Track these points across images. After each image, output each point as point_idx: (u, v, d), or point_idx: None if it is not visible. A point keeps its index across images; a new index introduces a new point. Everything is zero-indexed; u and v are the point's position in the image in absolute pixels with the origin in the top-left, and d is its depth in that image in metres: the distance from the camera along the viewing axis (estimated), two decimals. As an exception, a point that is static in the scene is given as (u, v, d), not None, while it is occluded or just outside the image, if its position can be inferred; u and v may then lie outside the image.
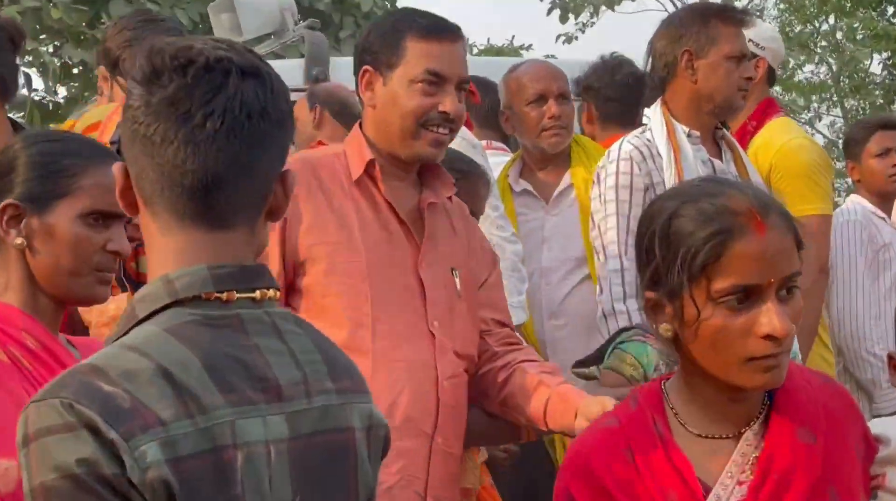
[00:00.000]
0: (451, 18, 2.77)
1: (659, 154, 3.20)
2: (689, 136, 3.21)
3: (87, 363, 1.29)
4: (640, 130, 3.38)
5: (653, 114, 3.33)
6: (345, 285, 2.31)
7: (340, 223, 2.34)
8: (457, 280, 2.44)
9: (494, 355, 2.47)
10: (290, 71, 4.91)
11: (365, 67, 2.42)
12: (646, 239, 1.60)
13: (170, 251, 1.38)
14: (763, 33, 4.08)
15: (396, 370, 2.29)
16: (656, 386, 1.69)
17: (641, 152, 3.21)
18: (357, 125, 2.48)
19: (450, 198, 2.51)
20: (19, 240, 1.87)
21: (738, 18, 3.38)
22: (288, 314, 1.49)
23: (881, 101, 15.73)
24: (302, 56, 5.42)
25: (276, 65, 4.36)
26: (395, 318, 2.33)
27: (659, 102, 3.32)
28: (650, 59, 3.39)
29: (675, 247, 1.53)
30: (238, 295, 1.37)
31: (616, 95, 4.12)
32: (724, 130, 3.42)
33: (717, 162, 3.28)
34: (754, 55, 3.85)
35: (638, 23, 17.07)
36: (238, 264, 1.39)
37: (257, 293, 1.39)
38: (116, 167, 1.40)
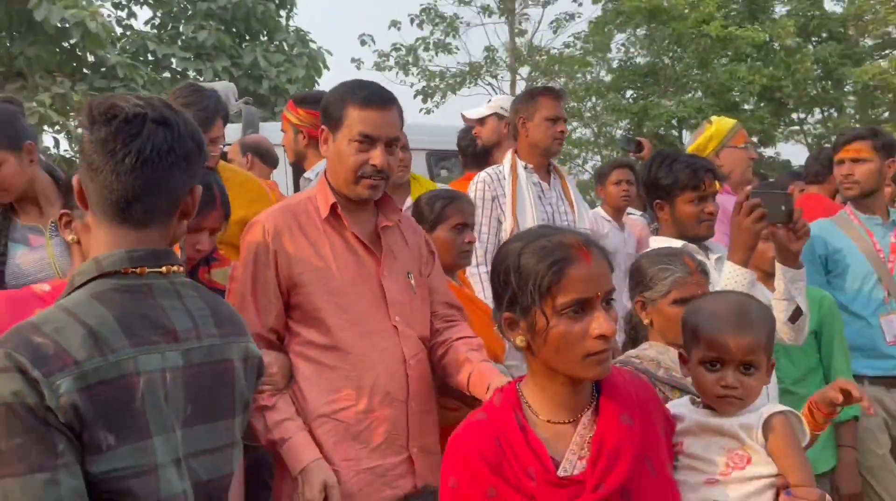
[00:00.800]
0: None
1: (504, 178, 3.34)
2: (525, 167, 3.37)
3: (30, 321, 1.24)
4: (498, 166, 3.46)
5: (507, 156, 3.46)
6: (326, 300, 2.10)
7: (318, 253, 2.13)
8: (412, 282, 2.24)
9: (437, 331, 2.29)
10: (232, 132, 4.72)
11: (322, 126, 2.20)
12: (501, 274, 1.47)
13: (102, 241, 1.33)
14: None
15: (373, 358, 2.10)
16: (513, 386, 1.54)
17: (491, 177, 3.34)
18: (324, 172, 2.25)
19: (399, 220, 2.29)
20: (70, 237, 1.79)
21: (555, 93, 3.44)
22: (191, 284, 1.43)
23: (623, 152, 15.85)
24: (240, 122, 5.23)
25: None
26: (366, 319, 2.12)
27: (511, 149, 3.47)
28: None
29: (526, 276, 1.41)
30: (149, 270, 1.33)
31: (471, 149, 4.15)
32: (555, 163, 3.52)
33: (544, 184, 3.41)
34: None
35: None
36: (150, 249, 1.34)
37: (164, 268, 1.35)
38: (74, 179, 1.37)
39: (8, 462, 1.14)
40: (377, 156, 2.10)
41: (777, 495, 1.51)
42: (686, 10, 14.93)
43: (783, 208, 2.26)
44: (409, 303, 2.19)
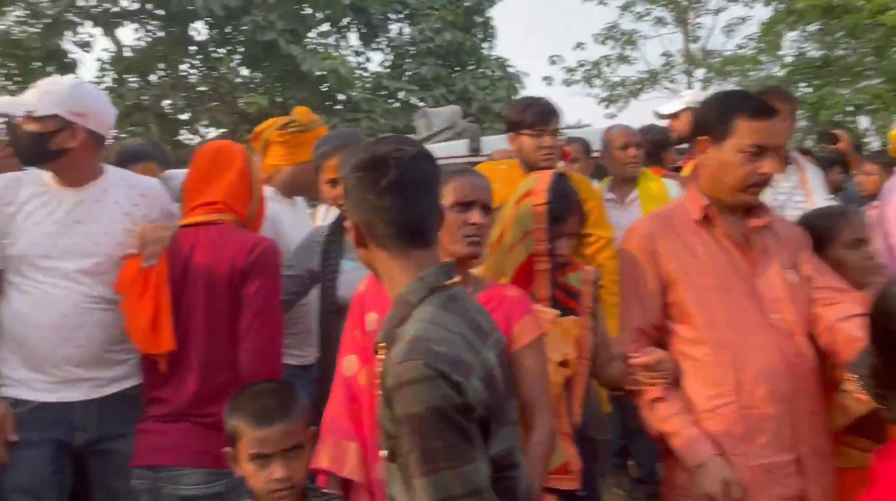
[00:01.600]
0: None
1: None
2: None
3: (417, 336, 1.20)
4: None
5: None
6: (697, 296, 1.88)
7: (690, 252, 1.92)
8: (790, 278, 1.92)
9: (817, 318, 1.89)
10: (459, 147, 4.79)
11: (700, 137, 1.93)
12: None
13: (404, 267, 1.29)
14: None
15: (749, 355, 1.83)
16: None
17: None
18: (695, 179, 2.03)
19: (770, 219, 1.97)
20: None
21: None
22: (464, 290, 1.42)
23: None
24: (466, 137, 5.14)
25: (452, 144, 4.80)
26: (740, 316, 1.86)
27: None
28: None
29: None
30: (451, 282, 1.32)
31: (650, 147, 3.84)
32: (795, 155, 3.12)
33: (778, 174, 2.94)
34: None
35: (654, 104, 16.02)
36: (449, 264, 1.34)
37: (457, 280, 1.34)
38: (348, 225, 1.34)
39: (443, 458, 1.14)
40: (767, 165, 1.86)
41: None
42: (860, 3, 13.29)
43: None
44: (787, 299, 1.88)
